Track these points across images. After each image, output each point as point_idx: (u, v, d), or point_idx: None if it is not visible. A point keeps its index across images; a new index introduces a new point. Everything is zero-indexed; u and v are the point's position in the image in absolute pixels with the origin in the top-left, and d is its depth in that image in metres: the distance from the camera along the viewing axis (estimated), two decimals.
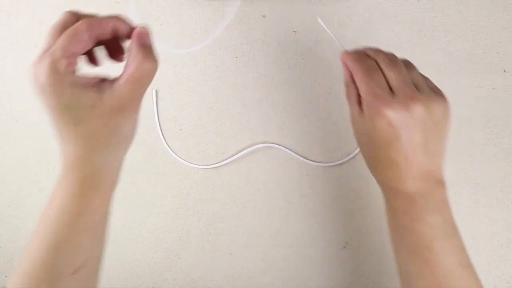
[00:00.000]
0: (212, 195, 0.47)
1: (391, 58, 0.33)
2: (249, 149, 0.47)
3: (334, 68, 0.49)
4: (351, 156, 0.48)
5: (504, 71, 0.49)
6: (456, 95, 0.48)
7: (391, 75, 0.32)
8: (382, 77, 0.32)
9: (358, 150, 0.48)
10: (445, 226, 0.33)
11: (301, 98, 0.48)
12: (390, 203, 0.34)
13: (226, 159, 0.47)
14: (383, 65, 0.33)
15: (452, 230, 0.33)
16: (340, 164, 0.48)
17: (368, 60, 0.33)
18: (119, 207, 0.47)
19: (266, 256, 0.46)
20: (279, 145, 0.48)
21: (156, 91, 0.48)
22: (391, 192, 0.33)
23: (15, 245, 0.46)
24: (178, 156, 0.47)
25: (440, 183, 0.33)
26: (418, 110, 0.31)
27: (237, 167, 0.48)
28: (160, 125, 0.48)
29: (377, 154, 0.32)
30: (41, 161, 0.47)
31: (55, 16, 0.49)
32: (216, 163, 0.47)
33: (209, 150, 0.48)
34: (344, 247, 0.46)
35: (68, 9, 0.30)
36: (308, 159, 0.47)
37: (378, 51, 0.34)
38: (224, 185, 0.47)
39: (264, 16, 0.49)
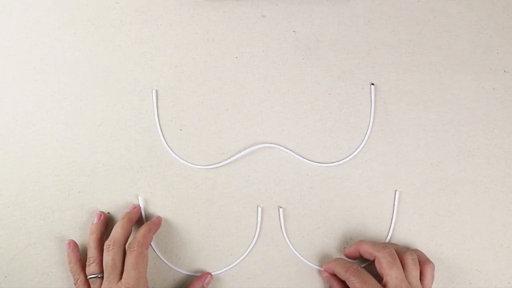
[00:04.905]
0: (212, 195, 0.47)
1: (392, 256, 0.41)
2: (249, 149, 0.47)
3: (334, 68, 0.49)
4: (351, 156, 0.48)
5: (504, 71, 0.49)
6: (456, 95, 0.48)
7: (392, 273, 0.40)
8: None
9: (358, 150, 0.48)
10: None
11: (301, 98, 0.48)
12: None
13: (226, 159, 0.47)
14: (384, 263, 0.40)
15: None
16: (340, 164, 0.48)
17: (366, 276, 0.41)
18: (119, 207, 0.47)
19: (266, 256, 0.47)
20: (279, 145, 0.48)
21: (156, 91, 0.48)
22: None
23: (15, 246, 0.46)
24: (178, 156, 0.47)
25: None
26: None
27: (237, 167, 0.48)
28: (160, 125, 0.48)
29: None
30: (41, 161, 0.47)
31: (55, 15, 0.50)
32: (216, 163, 0.47)
33: (209, 150, 0.48)
34: (344, 247, 0.46)
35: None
36: (308, 159, 0.47)
37: (384, 246, 0.42)
38: (224, 185, 0.47)
39: (264, 16, 0.49)
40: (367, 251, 0.43)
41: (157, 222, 0.46)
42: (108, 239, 0.42)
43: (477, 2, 0.50)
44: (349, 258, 0.45)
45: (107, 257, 0.41)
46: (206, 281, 0.45)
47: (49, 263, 0.46)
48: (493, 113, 0.48)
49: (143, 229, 0.43)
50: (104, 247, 0.42)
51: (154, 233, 0.45)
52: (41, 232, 0.46)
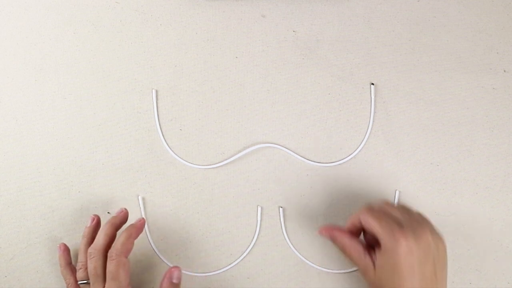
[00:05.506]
0: (212, 195, 0.47)
1: (391, 204, 0.41)
2: (249, 149, 0.47)
3: (334, 68, 0.49)
4: (351, 156, 0.48)
5: (504, 71, 0.49)
6: (456, 95, 0.48)
7: (397, 215, 0.39)
8: (391, 217, 0.38)
9: (358, 150, 0.48)
10: None
11: (301, 98, 0.49)
12: None
13: (226, 159, 0.47)
14: (387, 208, 0.40)
15: None
16: (340, 164, 0.48)
17: (374, 211, 0.40)
18: (119, 207, 0.47)
19: (266, 256, 0.47)
20: (279, 145, 0.48)
21: (156, 91, 0.48)
22: None
23: (15, 246, 0.46)
24: (178, 156, 0.47)
25: None
26: (426, 237, 0.37)
27: (237, 167, 0.48)
28: (160, 125, 0.48)
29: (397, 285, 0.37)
30: (41, 161, 0.47)
31: (55, 15, 0.49)
32: (216, 163, 0.47)
33: (209, 150, 0.48)
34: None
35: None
36: (308, 159, 0.47)
37: (385, 205, 0.41)
38: (224, 185, 0.47)
39: (264, 16, 0.49)
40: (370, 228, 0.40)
41: (139, 226, 0.43)
42: (91, 246, 0.41)
43: (477, 2, 0.50)
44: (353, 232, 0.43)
45: (90, 265, 0.40)
46: (175, 275, 0.42)
47: (49, 263, 0.46)
48: (493, 113, 0.48)
49: (123, 235, 0.42)
50: (87, 254, 0.41)
51: (135, 238, 0.43)
52: (41, 232, 0.46)
